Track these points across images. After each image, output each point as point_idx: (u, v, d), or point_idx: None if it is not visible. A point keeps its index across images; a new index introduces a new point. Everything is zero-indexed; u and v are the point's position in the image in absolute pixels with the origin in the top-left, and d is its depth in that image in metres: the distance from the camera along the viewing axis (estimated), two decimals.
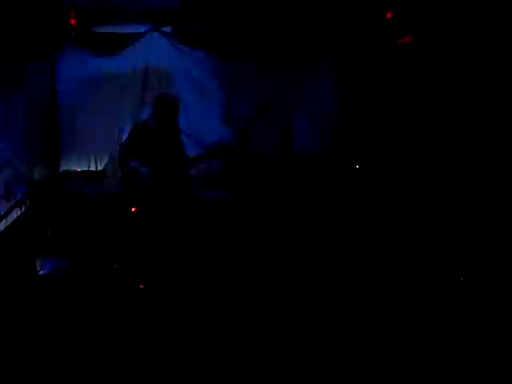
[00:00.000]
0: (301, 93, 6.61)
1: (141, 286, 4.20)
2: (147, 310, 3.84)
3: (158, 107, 4.64)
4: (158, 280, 4.32)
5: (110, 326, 3.61)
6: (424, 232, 5.29)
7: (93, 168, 6.34)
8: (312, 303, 3.99)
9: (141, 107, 6.27)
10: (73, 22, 5.76)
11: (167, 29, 6.43)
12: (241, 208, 5.64)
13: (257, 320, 3.70)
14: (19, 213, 5.60)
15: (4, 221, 5.32)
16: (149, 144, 4.62)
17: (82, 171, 6.05)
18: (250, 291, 4.22)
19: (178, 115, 4.70)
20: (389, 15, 5.69)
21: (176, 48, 6.46)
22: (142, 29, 6.34)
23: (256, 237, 5.32)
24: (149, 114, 4.95)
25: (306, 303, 3.99)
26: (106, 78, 6.37)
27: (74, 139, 6.46)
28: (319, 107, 6.65)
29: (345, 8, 5.93)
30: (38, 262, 4.63)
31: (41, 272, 4.52)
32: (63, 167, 6.39)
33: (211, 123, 6.55)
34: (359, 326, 3.60)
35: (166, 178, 4.58)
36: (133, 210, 4.81)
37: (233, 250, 5.11)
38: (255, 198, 5.77)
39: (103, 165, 6.40)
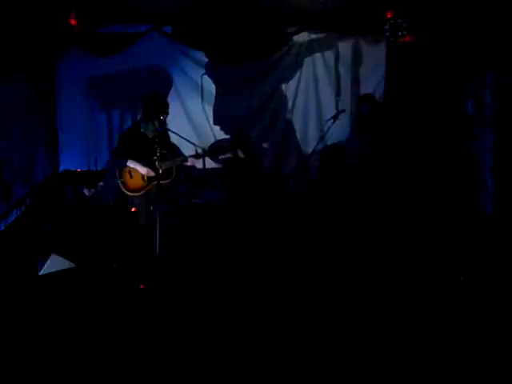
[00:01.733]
0: None
1: (141, 286, 4.20)
2: (147, 310, 3.84)
3: (147, 107, 4.65)
4: (158, 280, 4.32)
5: (111, 325, 3.61)
6: (424, 232, 5.30)
7: (93, 168, 6.35)
8: (312, 303, 3.99)
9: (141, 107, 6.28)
10: (73, 22, 5.76)
11: (167, 29, 6.45)
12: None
13: (256, 320, 3.70)
14: (19, 213, 5.61)
15: (4, 221, 5.32)
16: (139, 146, 4.62)
17: (82, 171, 6.05)
18: (250, 290, 4.22)
19: (166, 114, 4.68)
20: (389, 15, 5.69)
21: (176, 48, 6.47)
22: (142, 29, 6.34)
23: (253, 239, 5.34)
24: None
25: (306, 303, 3.99)
26: (105, 77, 6.39)
27: (73, 139, 6.49)
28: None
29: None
30: (38, 262, 4.64)
31: (41, 272, 4.52)
32: (63, 167, 6.41)
33: (209, 123, 6.59)
34: (359, 325, 3.60)
35: (159, 178, 4.57)
36: (132, 210, 4.81)
37: (232, 251, 5.11)
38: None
39: (103, 165, 6.42)
